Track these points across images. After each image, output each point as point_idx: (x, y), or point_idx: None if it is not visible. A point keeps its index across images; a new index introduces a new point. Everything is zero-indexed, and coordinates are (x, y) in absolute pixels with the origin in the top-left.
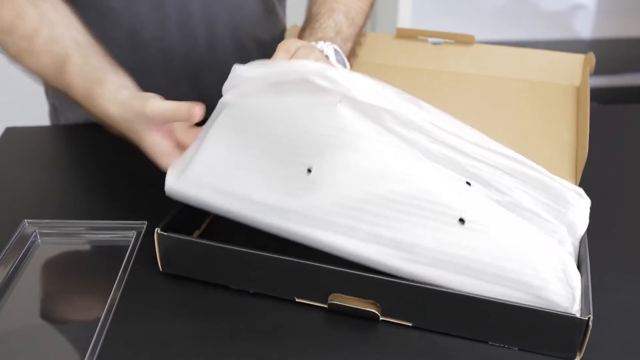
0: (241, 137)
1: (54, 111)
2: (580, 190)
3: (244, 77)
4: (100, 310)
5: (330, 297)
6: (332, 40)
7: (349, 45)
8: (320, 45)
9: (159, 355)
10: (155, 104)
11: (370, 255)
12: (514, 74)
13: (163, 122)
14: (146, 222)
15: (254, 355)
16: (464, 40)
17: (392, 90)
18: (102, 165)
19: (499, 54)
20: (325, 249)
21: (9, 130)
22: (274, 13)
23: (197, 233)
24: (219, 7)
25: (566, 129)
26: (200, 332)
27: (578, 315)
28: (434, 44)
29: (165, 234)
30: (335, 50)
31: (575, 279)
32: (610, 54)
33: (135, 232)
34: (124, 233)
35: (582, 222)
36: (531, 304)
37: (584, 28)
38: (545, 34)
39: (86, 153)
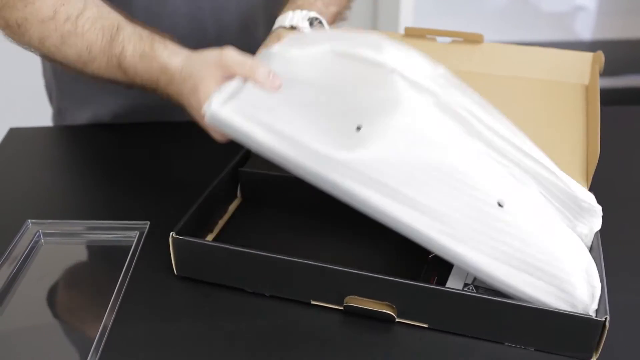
0: (294, 83)
1: (59, 114)
2: (593, 199)
3: (298, 37)
4: (103, 310)
5: (346, 299)
6: (310, 7)
7: (332, 9)
8: (295, 16)
9: (162, 356)
10: (234, 52)
11: (406, 220)
12: (522, 73)
13: (233, 72)
14: (149, 223)
15: (259, 356)
16: (473, 39)
17: (441, 74)
18: (105, 165)
19: (508, 53)
20: (361, 206)
21: (13, 131)
22: (280, 2)
23: (210, 236)
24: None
25: (576, 128)
26: (205, 332)
27: (594, 315)
28: (442, 43)
29: (180, 237)
30: (312, 18)
31: (596, 279)
32: (611, 55)
33: (137, 232)
34: (127, 233)
35: (593, 232)
36: (553, 296)
37: (585, 29)
38: (547, 35)
39: (89, 154)
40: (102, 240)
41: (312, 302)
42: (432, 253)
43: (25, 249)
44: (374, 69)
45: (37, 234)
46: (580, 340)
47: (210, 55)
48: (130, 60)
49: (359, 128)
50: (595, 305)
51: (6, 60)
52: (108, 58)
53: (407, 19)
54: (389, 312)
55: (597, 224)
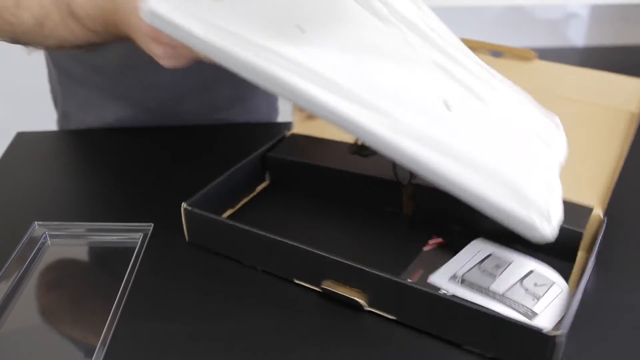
0: None
1: (63, 118)
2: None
3: None
4: (108, 310)
5: (323, 282)
6: None
7: None
8: None
9: (166, 354)
10: None
11: (352, 117)
12: (570, 94)
13: None
14: (152, 224)
15: (260, 348)
16: (525, 55)
17: None
18: (109, 169)
19: (558, 72)
20: (308, 104)
21: (20, 135)
22: None
23: (230, 212)
24: None
25: (609, 152)
26: (206, 330)
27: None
28: (494, 56)
29: (189, 208)
30: None
31: (557, 188)
32: (603, 61)
33: (141, 234)
34: (131, 235)
35: (561, 148)
36: (506, 198)
37: (578, 36)
38: (541, 41)
39: (94, 157)
40: (107, 242)
41: (295, 281)
42: (426, 245)
43: (32, 250)
44: None
45: (44, 235)
46: (534, 353)
47: None
48: (87, 9)
49: (304, 31)
50: (548, 229)
51: (13, 66)
52: (59, 7)
53: None
54: (358, 299)
55: (562, 142)
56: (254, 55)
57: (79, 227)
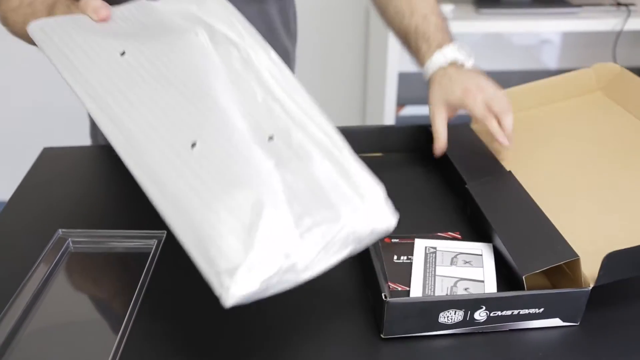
0: (122, 21)
1: (93, 127)
2: (373, 187)
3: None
4: (125, 310)
5: None
6: (444, 41)
7: (446, 29)
8: (448, 52)
9: (179, 351)
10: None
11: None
12: None
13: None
14: (165, 232)
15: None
16: None
17: (245, 27)
18: (127, 181)
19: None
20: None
21: (47, 150)
22: (277, 38)
23: None
24: None
25: None
26: (218, 330)
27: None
28: None
29: None
30: (459, 46)
31: (260, 238)
32: None
33: (156, 240)
34: (147, 241)
35: (359, 218)
36: (196, 249)
37: (551, 60)
38: (517, 65)
39: (114, 170)
40: (125, 247)
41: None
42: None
43: (56, 255)
44: (186, 20)
45: (67, 242)
46: None
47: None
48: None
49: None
50: (240, 289)
51: (40, 84)
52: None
53: (394, 55)
54: None
55: (365, 215)
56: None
57: (99, 234)
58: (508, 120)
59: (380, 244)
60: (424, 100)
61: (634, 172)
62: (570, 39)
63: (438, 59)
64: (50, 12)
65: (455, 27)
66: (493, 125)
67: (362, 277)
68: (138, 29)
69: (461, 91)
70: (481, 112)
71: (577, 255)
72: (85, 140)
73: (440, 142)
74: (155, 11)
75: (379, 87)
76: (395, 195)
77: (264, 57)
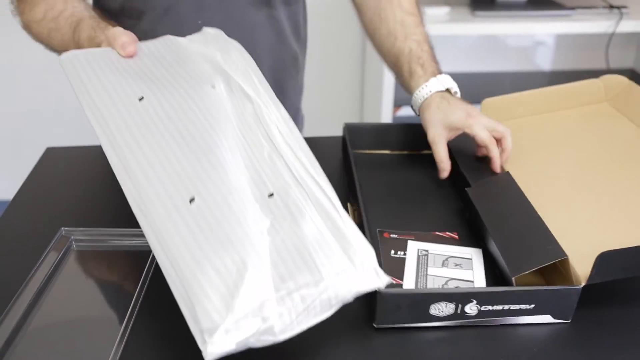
0: (147, 57)
1: None
2: (367, 250)
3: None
4: (127, 307)
5: None
6: (437, 70)
7: (436, 59)
8: (444, 80)
9: (178, 346)
10: (117, 29)
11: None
12: None
13: (110, 42)
14: None
15: None
16: None
17: (261, 82)
18: None
19: None
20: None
21: (50, 150)
22: (287, 43)
23: None
24: (234, 36)
25: None
26: None
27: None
28: None
29: None
30: (451, 76)
31: (239, 306)
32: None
33: None
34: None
35: (346, 283)
36: (185, 305)
37: (545, 62)
38: (512, 67)
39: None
40: (126, 246)
41: None
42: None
43: (59, 253)
44: (209, 65)
45: (70, 240)
46: None
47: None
48: (83, 43)
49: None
50: (217, 349)
51: (45, 85)
52: (73, 44)
53: None
54: None
55: (355, 280)
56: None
57: (101, 232)
58: (509, 142)
59: (379, 238)
60: None
61: (632, 179)
62: (564, 41)
63: (434, 83)
64: (75, 29)
65: (451, 29)
66: (495, 152)
67: None
68: (161, 68)
69: (465, 114)
70: (487, 137)
71: (566, 255)
72: (87, 141)
73: (444, 169)
74: (180, 49)
75: (376, 89)
76: (399, 192)
77: (275, 113)
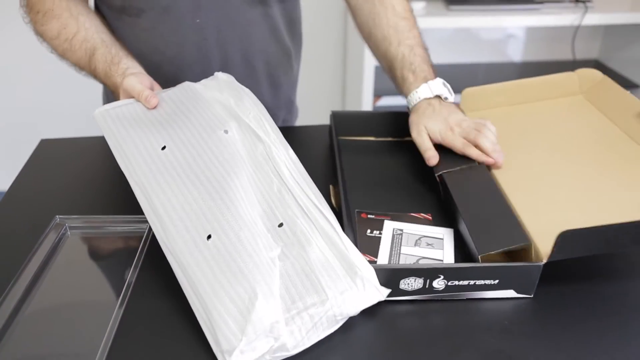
0: (167, 105)
1: (105, 95)
2: (370, 272)
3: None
4: (120, 288)
5: None
6: (430, 75)
7: (430, 63)
8: (434, 86)
9: (170, 325)
10: (133, 80)
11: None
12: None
13: (130, 94)
14: None
15: None
16: None
17: (271, 125)
18: (120, 170)
19: None
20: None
21: (44, 142)
22: (281, 40)
23: None
24: (230, 33)
25: None
26: None
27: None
28: None
29: None
30: (443, 82)
31: (250, 330)
32: (536, 74)
33: (148, 225)
34: (139, 225)
35: (351, 302)
36: (207, 329)
37: (516, 53)
38: (485, 58)
39: (108, 160)
40: (119, 232)
41: None
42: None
43: (55, 240)
44: (224, 110)
45: (64, 227)
46: None
47: (120, 81)
48: (100, 74)
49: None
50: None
51: (41, 80)
52: (90, 70)
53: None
54: None
55: (358, 299)
56: (127, 168)
57: (95, 219)
58: (484, 142)
59: (356, 218)
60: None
61: (599, 166)
62: (533, 34)
63: (424, 90)
64: (91, 59)
65: (427, 23)
66: (473, 152)
67: None
68: (181, 115)
69: (443, 125)
70: (460, 144)
71: (528, 241)
72: (80, 133)
73: (431, 156)
74: (197, 95)
75: (357, 80)
76: (380, 176)
77: (284, 153)
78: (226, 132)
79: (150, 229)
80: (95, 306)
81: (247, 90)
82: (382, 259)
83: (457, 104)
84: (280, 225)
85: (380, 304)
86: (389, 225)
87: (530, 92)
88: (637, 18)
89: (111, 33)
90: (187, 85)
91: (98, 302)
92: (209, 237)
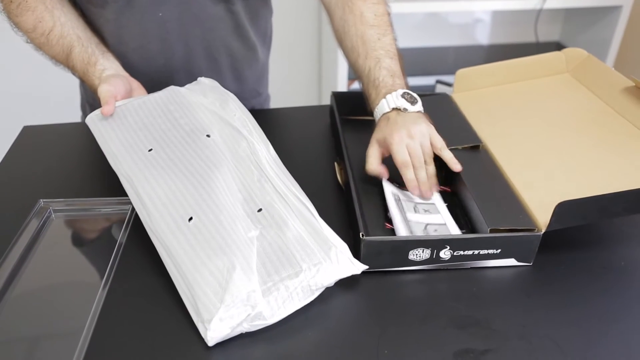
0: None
1: (83, 103)
2: (344, 246)
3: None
4: (104, 269)
5: None
6: (393, 87)
7: (403, 76)
8: (391, 100)
9: (155, 302)
10: (105, 87)
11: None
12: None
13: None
14: None
15: None
16: None
17: (253, 125)
18: (102, 154)
19: None
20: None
21: (26, 129)
22: (245, 35)
23: None
24: (193, 28)
25: None
26: None
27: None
28: None
29: None
30: (403, 93)
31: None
32: (502, 56)
33: (130, 206)
34: (122, 207)
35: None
36: (187, 301)
37: (483, 37)
38: (454, 41)
39: (90, 145)
40: (102, 214)
41: None
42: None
43: (39, 223)
44: (209, 114)
45: (48, 210)
46: None
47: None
48: (78, 72)
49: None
50: (215, 335)
51: (21, 67)
52: (68, 67)
53: None
54: None
55: (336, 269)
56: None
57: (78, 202)
58: (445, 154)
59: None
60: None
61: (590, 138)
62: (499, 17)
63: (383, 106)
64: (68, 56)
65: (399, 7)
66: (407, 175)
67: (347, 220)
68: (167, 121)
69: (389, 134)
70: (401, 159)
71: (534, 227)
72: (62, 119)
73: (370, 169)
74: (183, 100)
75: (332, 63)
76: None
77: (264, 149)
78: (208, 136)
79: (132, 209)
80: (80, 286)
81: (232, 95)
82: (400, 228)
83: (423, 113)
84: (260, 210)
85: (389, 273)
86: (388, 188)
87: (520, 71)
88: (595, 2)
89: (86, 25)
90: (172, 89)
91: (82, 282)
92: (190, 219)
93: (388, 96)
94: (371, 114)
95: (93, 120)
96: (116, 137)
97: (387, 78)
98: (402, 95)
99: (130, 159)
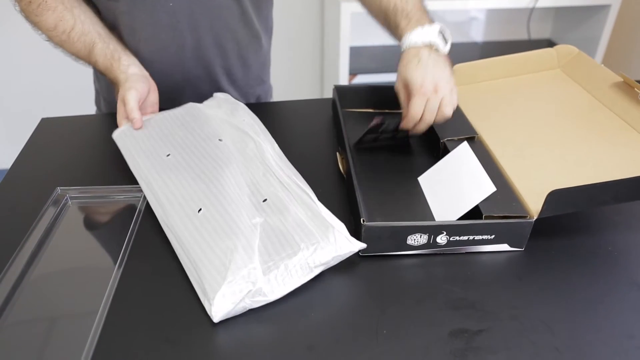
0: (161, 122)
1: (97, 97)
2: (342, 227)
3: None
4: (118, 253)
5: None
6: (424, 18)
7: (425, 10)
8: (426, 34)
9: (165, 283)
10: (132, 95)
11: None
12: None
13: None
14: None
15: None
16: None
17: (261, 129)
18: (114, 145)
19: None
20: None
21: (44, 121)
22: (250, 23)
23: None
24: (202, 17)
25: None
26: None
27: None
28: None
29: None
30: (440, 28)
31: (228, 281)
32: (496, 53)
33: (143, 194)
34: (135, 194)
35: (326, 252)
36: (195, 283)
37: (477, 34)
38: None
39: (105, 136)
40: (116, 201)
41: None
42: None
43: (56, 209)
44: (222, 123)
45: (65, 197)
46: None
47: (122, 90)
48: (102, 69)
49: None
50: (219, 310)
51: (47, 71)
52: (90, 63)
53: (345, 31)
54: None
55: (335, 248)
56: (137, 171)
57: (94, 190)
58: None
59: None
60: (372, 70)
61: (580, 131)
62: (493, 15)
63: (417, 35)
64: (90, 53)
65: None
66: (408, 124)
67: (349, 206)
68: (184, 130)
69: (419, 84)
70: (412, 114)
71: (527, 214)
72: (79, 112)
73: (408, 122)
74: (200, 113)
75: (334, 59)
76: (379, 145)
77: (270, 148)
78: (220, 140)
79: (144, 197)
80: (95, 269)
81: (242, 104)
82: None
83: (448, 58)
84: (265, 200)
85: (388, 257)
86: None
87: (513, 66)
88: (584, 1)
89: (102, 22)
90: (190, 105)
91: (97, 265)
92: (200, 210)
93: (426, 26)
94: (397, 42)
95: (120, 136)
96: (139, 147)
97: (416, 11)
98: (439, 32)
99: (149, 164)
